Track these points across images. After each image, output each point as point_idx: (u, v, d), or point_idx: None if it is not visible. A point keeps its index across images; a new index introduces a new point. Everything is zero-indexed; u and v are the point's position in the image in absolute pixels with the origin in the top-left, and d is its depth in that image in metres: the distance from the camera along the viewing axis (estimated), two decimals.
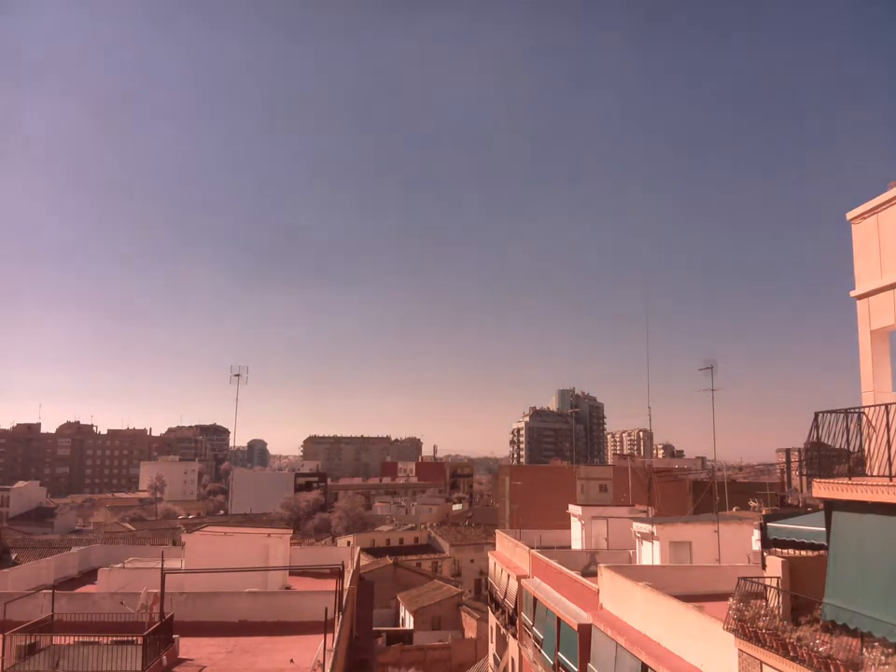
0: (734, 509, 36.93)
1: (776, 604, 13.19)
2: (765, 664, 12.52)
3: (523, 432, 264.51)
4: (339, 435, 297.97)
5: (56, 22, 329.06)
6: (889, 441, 11.18)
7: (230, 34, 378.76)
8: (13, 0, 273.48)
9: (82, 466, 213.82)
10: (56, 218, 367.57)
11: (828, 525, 12.45)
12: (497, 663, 37.90)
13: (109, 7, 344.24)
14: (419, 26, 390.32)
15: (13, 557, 57.08)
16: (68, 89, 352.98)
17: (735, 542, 27.24)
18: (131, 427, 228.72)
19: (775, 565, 14.73)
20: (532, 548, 32.24)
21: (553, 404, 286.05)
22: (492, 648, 39.96)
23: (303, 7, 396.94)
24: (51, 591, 20.87)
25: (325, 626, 18.35)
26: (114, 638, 16.70)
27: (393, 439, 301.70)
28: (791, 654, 11.66)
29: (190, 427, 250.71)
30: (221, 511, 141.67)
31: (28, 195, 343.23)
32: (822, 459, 12.59)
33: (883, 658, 10.49)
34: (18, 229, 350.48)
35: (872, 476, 11.57)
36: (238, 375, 54.47)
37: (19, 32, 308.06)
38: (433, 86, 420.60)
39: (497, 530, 45.93)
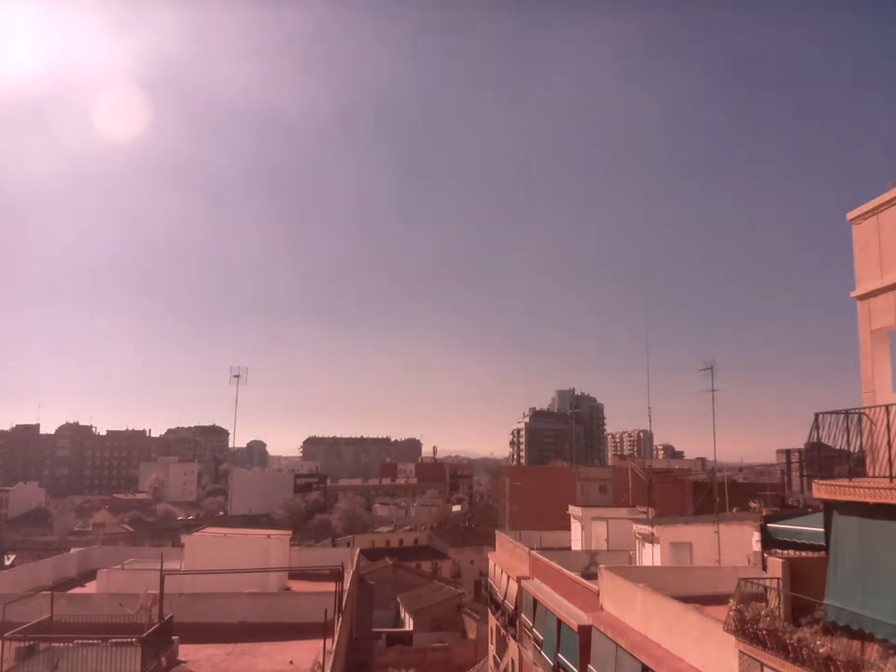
0: (734, 510, 36.85)
1: (776, 605, 13.15)
2: (766, 665, 12.48)
3: (522, 433, 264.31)
4: (338, 436, 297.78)
5: None
6: (889, 441, 11.16)
7: None
8: None
9: (81, 467, 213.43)
10: (56, 218, 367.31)
11: (828, 525, 12.43)
12: (497, 664, 37.85)
13: None
14: None
15: (8, 562, 56.53)
16: None
17: (736, 543, 27.18)
18: (130, 429, 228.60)
19: (775, 566, 14.71)
20: (532, 549, 32.20)
21: (552, 405, 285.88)
22: (492, 649, 39.91)
23: None
24: (50, 592, 20.81)
25: (325, 628, 18.33)
26: (113, 640, 16.65)
27: (392, 440, 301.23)
28: (792, 656, 11.63)
29: (190, 427, 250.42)
30: (221, 513, 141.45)
31: (27, 191, 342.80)
32: (822, 460, 12.58)
33: (883, 660, 10.47)
34: (17, 229, 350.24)
35: (872, 477, 11.55)
36: (238, 376, 54.41)
37: None
38: None
39: (496, 531, 45.84)
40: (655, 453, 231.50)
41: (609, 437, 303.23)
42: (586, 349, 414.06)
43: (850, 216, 13.71)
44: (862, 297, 13.30)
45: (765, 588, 13.67)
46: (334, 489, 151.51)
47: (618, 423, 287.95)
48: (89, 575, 29.55)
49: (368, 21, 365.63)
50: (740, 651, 13.33)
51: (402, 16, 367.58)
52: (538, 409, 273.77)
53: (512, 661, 32.87)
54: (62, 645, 16.70)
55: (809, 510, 20.41)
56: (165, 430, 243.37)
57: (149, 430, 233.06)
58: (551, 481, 63.86)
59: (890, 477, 10.86)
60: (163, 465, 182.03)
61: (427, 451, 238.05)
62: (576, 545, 37.73)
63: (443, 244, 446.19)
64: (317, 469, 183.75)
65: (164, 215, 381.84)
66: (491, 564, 40.73)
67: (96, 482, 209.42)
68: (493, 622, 38.98)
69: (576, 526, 38.48)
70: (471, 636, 55.41)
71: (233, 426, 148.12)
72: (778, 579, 14.11)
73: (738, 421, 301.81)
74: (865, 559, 11.35)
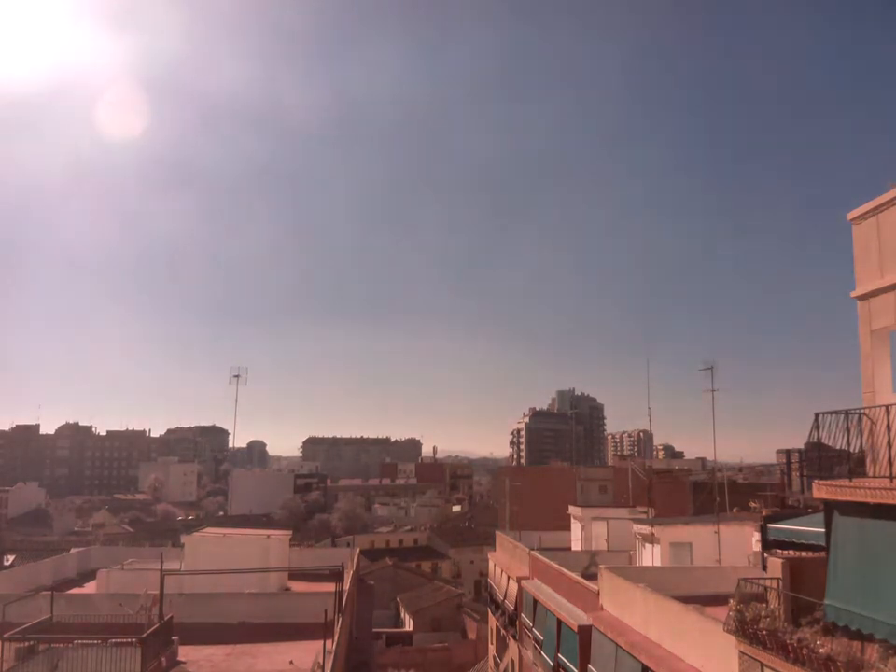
0: (734, 510, 36.83)
1: (776, 605, 13.14)
2: (766, 665, 12.47)
3: (522, 433, 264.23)
4: (338, 436, 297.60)
5: None
6: (889, 441, 11.16)
7: None
8: None
9: (81, 467, 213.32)
10: (56, 218, 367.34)
11: (828, 526, 12.41)
12: (497, 664, 37.83)
13: None
14: None
15: (7, 562, 56.36)
16: None
17: (736, 543, 27.15)
18: (130, 429, 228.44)
19: (775, 566, 14.69)
20: (532, 549, 32.18)
21: (552, 405, 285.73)
22: (492, 649, 39.89)
23: None
24: (50, 592, 20.81)
25: (325, 628, 18.33)
26: (113, 640, 16.64)
27: (392, 440, 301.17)
28: (792, 656, 11.62)
29: (190, 427, 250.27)
30: (221, 513, 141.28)
31: (28, 191, 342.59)
32: (822, 460, 12.57)
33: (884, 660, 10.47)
34: (17, 229, 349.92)
35: (872, 477, 11.54)
36: (238, 376, 54.22)
37: None
38: None
39: (496, 531, 45.82)
40: (655, 453, 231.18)
41: (609, 437, 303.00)
42: (586, 349, 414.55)
43: (850, 216, 13.70)
44: (862, 297, 13.28)
45: (765, 588, 13.66)
46: (334, 489, 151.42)
47: (618, 423, 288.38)
48: (88, 575, 29.54)
49: (368, 21, 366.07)
50: (740, 652, 13.32)
51: (403, 16, 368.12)
52: (538, 409, 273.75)
53: (512, 661, 32.85)
54: (61, 645, 16.69)
55: (809, 510, 20.41)
56: (165, 430, 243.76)
57: (149, 430, 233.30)
58: (551, 481, 63.72)
59: (890, 477, 10.85)
60: (163, 465, 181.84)
61: (427, 451, 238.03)
62: (576, 545, 37.71)
63: (444, 244, 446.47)
64: (317, 470, 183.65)
65: (165, 214, 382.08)
66: (491, 564, 40.71)
67: (96, 482, 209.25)
68: (493, 622, 38.96)
69: (576, 526, 38.46)
70: (471, 636, 55.39)
71: (233, 426, 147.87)
72: (778, 579, 14.09)
73: (738, 421, 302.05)
74: (865, 559, 11.34)
